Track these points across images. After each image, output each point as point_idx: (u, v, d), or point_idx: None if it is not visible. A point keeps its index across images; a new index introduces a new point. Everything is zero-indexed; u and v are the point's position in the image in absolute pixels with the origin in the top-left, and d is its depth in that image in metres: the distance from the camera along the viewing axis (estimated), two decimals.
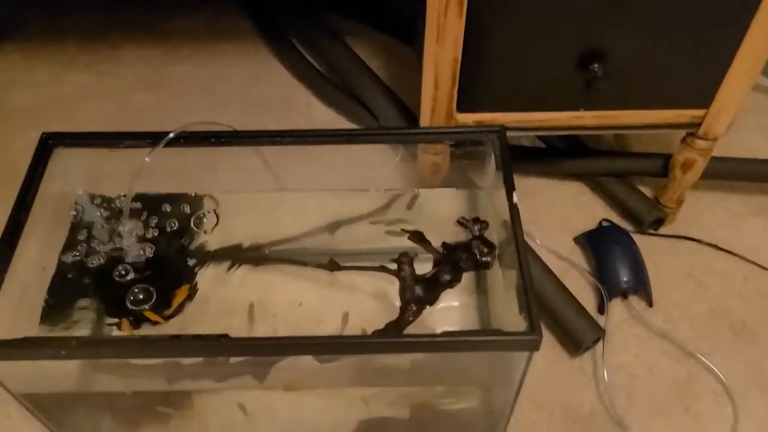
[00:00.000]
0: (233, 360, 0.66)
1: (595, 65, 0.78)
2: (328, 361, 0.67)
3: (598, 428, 0.84)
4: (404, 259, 0.74)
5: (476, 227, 0.77)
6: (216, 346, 0.59)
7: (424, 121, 0.86)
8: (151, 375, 0.68)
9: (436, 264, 0.77)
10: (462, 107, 0.84)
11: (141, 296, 0.74)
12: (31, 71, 1.26)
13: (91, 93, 1.23)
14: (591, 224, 1.03)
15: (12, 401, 0.86)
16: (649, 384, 0.88)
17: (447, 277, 0.74)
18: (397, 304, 0.83)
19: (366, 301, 0.83)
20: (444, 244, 0.77)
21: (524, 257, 0.63)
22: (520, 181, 0.95)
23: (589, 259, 0.99)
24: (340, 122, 1.18)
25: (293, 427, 0.83)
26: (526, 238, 0.76)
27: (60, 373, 0.68)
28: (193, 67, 1.28)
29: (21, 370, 0.64)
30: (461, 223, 0.78)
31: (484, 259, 0.75)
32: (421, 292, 0.72)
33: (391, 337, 0.60)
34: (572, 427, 0.84)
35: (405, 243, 0.81)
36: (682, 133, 0.91)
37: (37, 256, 0.73)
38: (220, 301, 0.83)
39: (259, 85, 1.25)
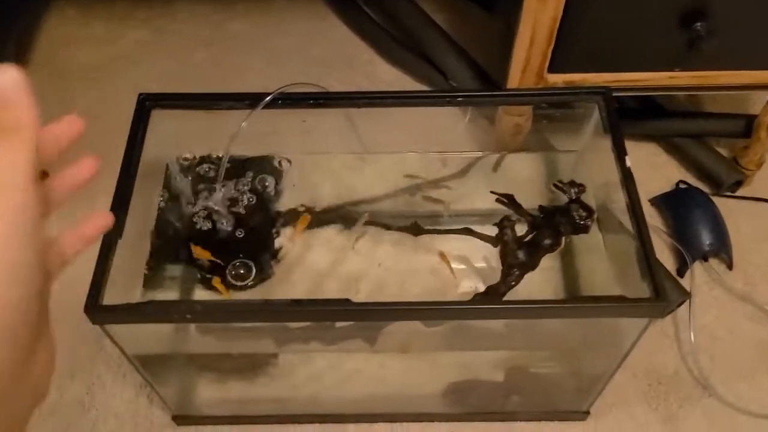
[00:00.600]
0: (342, 324, 0.67)
1: (698, 24, 0.76)
2: (435, 325, 0.67)
3: (683, 389, 0.85)
4: (507, 222, 0.73)
5: (573, 191, 0.76)
6: (337, 311, 0.59)
7: (513, 81, 0.84)
8: (260, 338, 0.69)
9: (532, 227, 0.76)
10: (553, 67, 0.83)
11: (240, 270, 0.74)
12: (88, 27, 1.24)
13: (150, 50, 1.21)
14: (666, 186, 1.01)
15: (100, 361, 0.87)
16: (732, 346, 0.88)
17: (548, 241, 0.73)
18: (478, 265, 0.83)
19: (451, 264, 0.83)
20: (541, 208, 0.77)
21: (643, 223, 0.62)
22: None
23: (667, 221, 0.98)
24: (406, 82, 1.16)
25: (381, 387, 0.84)
26: (611, 204, 0.75)
27: (169, 335, 0.69)
28: (250, 24, 1.25)
29: (135, 333, 0.64)
30: (557, 186, 0.77)
31: (582, 223, 0.74)
32: (523, 257, 0.72)
33: (514, 302, 0.60)
34: (656, 388, 0.85)
35: (491, 206, 0.81)
36: None
37: (136, 218, 0.72)
38: (305, 263, 0.84)
39: (318, 42, 1.23)
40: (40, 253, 0.28)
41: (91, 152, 1.15)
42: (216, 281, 0.75)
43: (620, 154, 0.67)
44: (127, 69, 1.18)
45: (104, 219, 0.40)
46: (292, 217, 0.82)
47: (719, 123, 1.00)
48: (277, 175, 0.83)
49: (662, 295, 0.57)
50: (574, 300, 0.60)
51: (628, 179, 0.65)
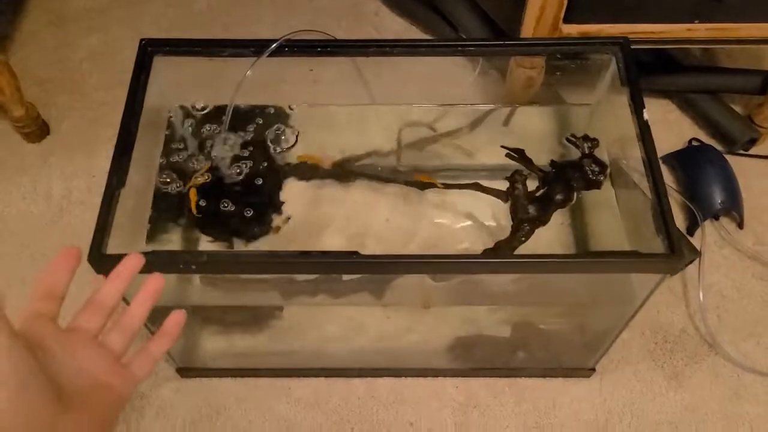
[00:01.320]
0: (349, 277, 0.66)
1: None
2: (443, 279, 0.67)
3: (689, 347, 0.84)
4: (518, 177, 0.71)
5: (586, 145, 0.75)
6: (346, 263, 0.58)
7: (527, 31, 0.82)
8: (266, 290, 0.68)
9: (543, 182, 0.74)
10: (569, 18, 0.80)
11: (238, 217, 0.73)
12: None
13: None
14: (679, 144, 1.00)
15: None
16: (740, 305, 0.87)
17: (560, 196, 0.71)
18: (487, 222, 0.82)
19: (455, 219, 0.82)
20: (553, 163, 0.75)
21: (659, 178, 0.60)
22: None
23: (679, 178, 0.96)
24: (413, 33, 1.13)
25: (386, 341, 0.83)
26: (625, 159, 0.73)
27: (173, 287, 0.68)
28: None
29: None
30: (570, 140, 0.75)
31: (595, 178, 0.73)
32: (534, 212, 0.70)
33: (526, 257, 0.58)
34: (663, 346, 0.85)
35: (500, 161, 0.79)
36: None
37: (139, 168, 0.71)
38: (310, 217, 0.82)
39: None
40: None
41: (80, 102, 1.12)
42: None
43: (638, 106, 0.65)
44: (127, 15, 1.15)
45: (173, 328, 0.50)
46: (297, 169, 0.80)
47: (734, 79, 0.98)
48: (283, 125, 0.81)
49: (677, 250, 0.56)
50: (588, 255, 0.59)
51: (645, 133, 0.63)
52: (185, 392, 0.81)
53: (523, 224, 0.70)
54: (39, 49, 1.11)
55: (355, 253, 0.58)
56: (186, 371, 0.82)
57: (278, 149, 0.79)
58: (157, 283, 0.48)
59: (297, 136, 0.80)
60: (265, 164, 0.77)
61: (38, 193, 0.96)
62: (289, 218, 0.77)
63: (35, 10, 1.15)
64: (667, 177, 0.97)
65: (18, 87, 0.93)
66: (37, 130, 0.99)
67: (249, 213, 0.73)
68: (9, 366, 0.36)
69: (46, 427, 0.38)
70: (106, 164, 0.61)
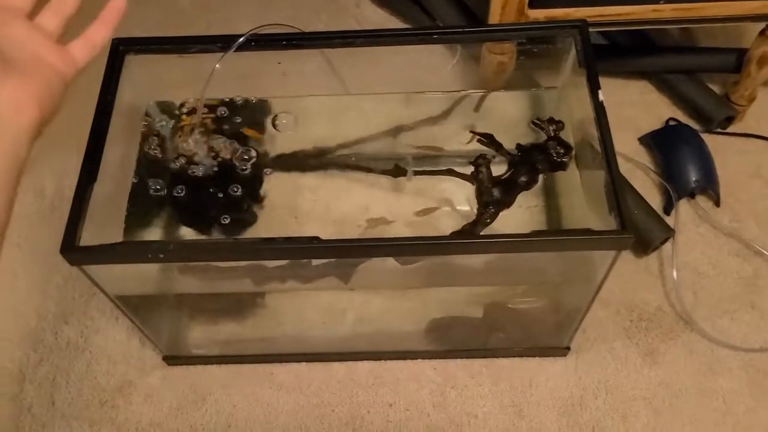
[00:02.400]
0: (317, 262, 0.68)
1: None
2: (409, 262, 0.68)
3: (664, 325, 0.86)
4: (481, 161, 0.73)
5: (551, 128, 0.76)
6: (308, 248, 0.60)
7: (494, 17, 0.83)
8: (238, 277, 0.70)
9: (511, 166, 0.76)
10: (534, 2, 0.81)
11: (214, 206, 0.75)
12: None
13: None
14: (657, 124, 1.00)
15: (93, 305, 0.90)
16: (715, 281, 0.88)
17: (523, 178, 0.73)
18: (462, 208, 0.84)
19: (431, 205, 0.84)
20: (518, 146, 0.76)
21: (612, 157, 0.62)
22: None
23: (656, 159, 0.97)
24: (394, 23, 1.14)
25: (364, 325, 0.85)
26: (588, 140, 0.74)
27: (150, 277, 0.70)
28: None
29: (115, 274, 0.66)
30: (536, 123, 0.77)
31: (560, 160, 0.74)
32: (498, 195, 0.72)
33: (482, 237, 0.60)
34: (638, 324, 0.86)
35: (472, 146, 0.80)
36: (760, 25, 0.87)
37: (117, 164, 0.73)
38: (287, 207, 0.85)
39: None
40: None
41: (74, 102, 1.15)
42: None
43: (593, 88, 0.66)
44: None
45: (112, 14, 0.51)
46: (274, 160, 0.82)
47: (710, 58, 0.98)
48: (258, 117, 0.83)
49: (627, 226, 0.57)
50: (541, 233, 0.60)
51: (600, 113, 0.64)
52: (172, 379, 0.84)
53: (488, 207, 0.72)
54: None
55: (317, 238, 0.60)
56: (172, 359, 0.84)
57: (252, 141, 0.81)
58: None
59: (271, 127, 0.82)
60: (238, 155, 0.79)
61: (31, 191, 0.99)
62: (263, 208, 0.79)
63: None
64: (645, 157, 0.98)
65: None
66: None
67: (226, 220, 0.75)
68: None
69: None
70: None
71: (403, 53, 0.81)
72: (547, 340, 0.83)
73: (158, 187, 0.74)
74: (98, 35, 0.50)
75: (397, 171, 0.84)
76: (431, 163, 0.84)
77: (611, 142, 0.63)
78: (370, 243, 0.60)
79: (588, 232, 0.59)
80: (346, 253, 0.62)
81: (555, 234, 0.59)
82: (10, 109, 0.41)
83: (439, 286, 0.74)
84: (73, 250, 0.59)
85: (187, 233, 0.77)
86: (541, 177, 0.75)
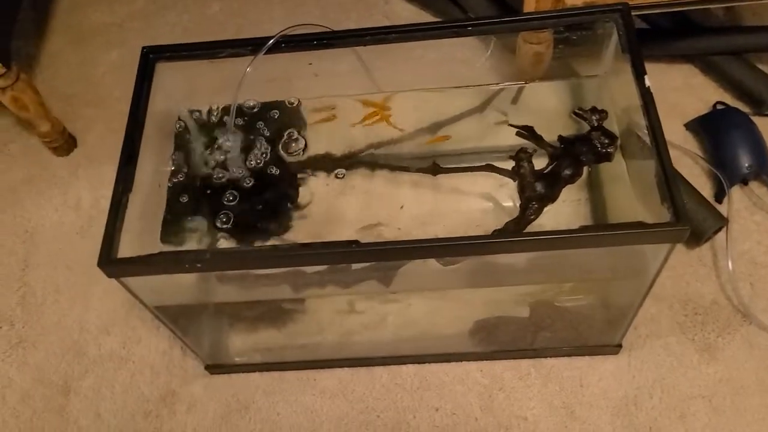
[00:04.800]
0: (357, 266, 0.66)
1: None
2: (452, 263, 0.66)
3: (721, 318, 0.82)
4: (523, 155, 0.70)
5: (594, 117, 0.73)
6: (347, 252, 0.58)
7: (530, 5, 0.80)
8: (276, 284, 0.69)
9: (553, 159, 0.73)
10: None
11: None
12: None
13: (166, 5, 1.20)
14: (703, 109, 0.96)
15: (134, 315, 0.90)
16: None
17: (568, 171, 0.70)
18: (504, 204, 0.81)
19: (471, 203, 0.82)
20: (561, 138, 0.73)
21: (663, 146, 0.59)
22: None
23: (704, 145, 0.93)
24: (424, 17, 1.12)
25: (407, 328, 0.84)
26: (634, 128, 0.71)
27: (189, 286, 0.69)
28: None
29: (154, 285, 0.65)
30: (578, 114, 0.74)
31: (605, 150, 0.71)
32: (542, 189, 0.69)
33: (529, 234, 0.57)
34: (693, 318, 0.82)
35: (511, 140, 0.78)
36: None
37: (151, 173, 0.73)
38: (324, 208, 0.83)
39: None
40: None
41: (107, 113, 1.16)
42: None
43: (639, 73, 0.63)
44: (144, 26, 1.18)
45: None
46: (308, 163, 0.80)
47: (758, 37, 0.94)
48: (292, 119, 0.82)
49: (683, 218, 0.54)
50: (591, 229, 0.57)
51: (647, 100, 0.61)
52: (214, 388, 0.83)
53: (531, 202, 0.69)
54: (63, 67, 1.15)
55: (356, 242, 0.58)
56: (214, 368, 0.84)
57: (287, 144, 0.80)
58: None
59: (305, 130, 0.81)
60: (272, 159, 0.78)
61: (68, 205, 1.00)
62: (300, 210, 0.77)
63: (57, 30, 1.19)
64: (692, 144, 0.94)
65: (41, 103, 0.96)
66: (64, 143, 1.03)
67: (261, 222, 0.74)
68: None
69: None
70: None
71: (436, 48, 0.79)
72: (598, 338, 0.80)
73: (194, 193, 0.74)
74: None
75: (435, 168, 0.82)
76: (471, 158, 0.82)
77: (661, 130, 0.60)
78: (411, 245, 0.58)
79: (641, 225, 0.56)
80: (386, 256, 0.60)
81: (606, 229, 0.56)
82: None
83: (483, 286, 0.72)
84: (110, 262, 0.59)
85: (224, 238, 0.76)
86: (585, 169, 0.72)
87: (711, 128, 0.92)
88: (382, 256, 0.60)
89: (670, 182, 0.56)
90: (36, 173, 1.04)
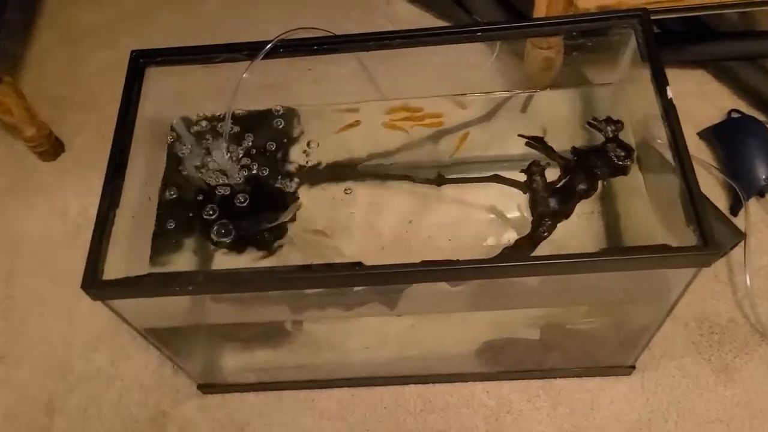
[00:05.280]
0: (359, 288, 0.62)
1: None
2: (459, 284, 0.62)
3: (738, 338, 0.78)
4: (535, 168, 0.67)
5: (609, 128, 0.69)
6: (350, 276, 0.54)
7: (540, 10, 0.76)
8: (274, 305, 0.65)
9: (565, 171, 0.69)
10: None
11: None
12: None
13: (158, 5, 1.15)
14: (717, 117, 0.92)
15: (123, 330, 0.85)
16: None
17: (582, 186, 0.67)
18: (511, 215, 0.77)
19: (477, 214, 0.78)
20: (574, 149, 0.70)
21: (687, 161, 0.55)
22: None
23: (718, 154, 0.89)
24: (427, 20, 1.08)
25: (410, 348, 0.80)
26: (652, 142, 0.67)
27: (180, 307, 0.65)
28: None
29: (143, 307, 0.61)
30: (592, 124, 0.70)
31: (621, 163, 0.67)
32: (555, 205, 0.66)
33: (545, 258, 0.54)
34: (709, 338, 0.79)
35: (521, 150, 0.74)
36: None
37: (141, 184, 0.68)
38: (324, 220, 0.79)
39: None
40: None
41: (96, 118, 1.10)
42: None
43: (660, 84, 0.59)
44: (135, 27, 1.13)
45: None
46: (306, 173, 0.76)
47: None
48: (288, 127, 0.78)
49: (711, 242, 0.50)
50: (611, 252, 0.54)
51: (669, 112, 0.57)
52: (208, 409, 0.79)
53: (544, 219, 0.65)
54: (50, 68, 1.10)
55: (359, 264, 0.54)
56: (207, 387, 0.80)
57: (284, 154, 0.76)
58: None
59: (303, 139, 0.77)
60: (269, 168, 0.74)
61: (55, 212, 0.96)
62: (295, 222, 0.73)
63: (45, 30, 1.15)
64: (706, 153, 0.91)
65: (27, 107, 0.92)
66: (50, 148, 0.98)
67: (257, 235, 0.70)
68: None
69: None
70: None
71: (441, 53, 0.75)
72: (610, 359, 0.76)
73: (186, 206, 0.70)
74: None
75: (440, 179, 0.78)
76: (477, 168, 0.78)
77: (684, 144, 0.56)
78: (419, 268, 0.54)
79: (666, 248, 0.52)
80: (391, 279, 0.56)
81: (629, 252, 0.52)
82: None
83: (492, 309, 0.68)
84: (95, 284, 0.55)
85: (219, 253, 0.72)
86: (600, 183, 0.68)
87: (725, 137, 0.89)
88: (389, 280, 0.56)
89: (696, 203, 0.52)
90: (21, 179, 0.99)
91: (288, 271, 0.54)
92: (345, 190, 0.77)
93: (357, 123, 0.76)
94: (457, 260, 0.54)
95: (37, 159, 1.00)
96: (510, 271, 0.55)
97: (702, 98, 0.95)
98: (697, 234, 0.52)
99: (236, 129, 0.74)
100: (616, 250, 0.53)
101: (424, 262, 0.55)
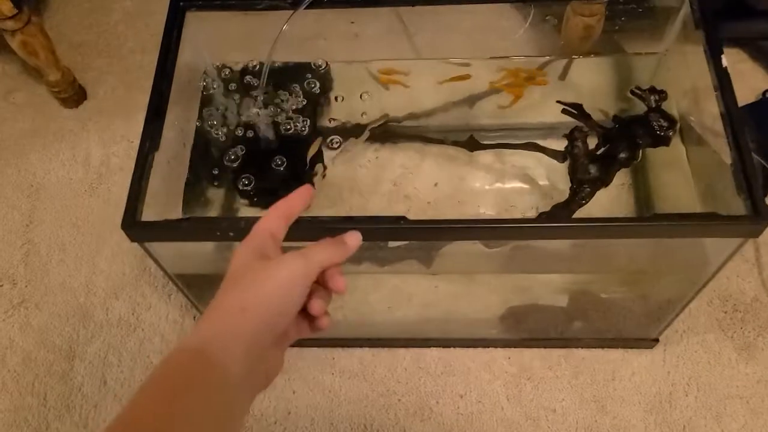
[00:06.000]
0: (395, 244, 0.62)
1: None
2: (496, 246, 0.62)
3: (762, 317, 0.78)
4: (578, 134, 0.66)
5: (653, 98, 0.68)
6: (393, 229, 0.54)
7: None
8: None
9: (604, 140, 0.69)
10: None
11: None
12: None
13: None
14: (751, 97, 0.92)
15: (144, 280, 0.85)
16: None
17: (624, 155, 0.66)
18: (542, 183, 0.77)
19: (509, 182, 0.77)
20: (616, 118, 0.69)
21: (741, 132, 0.54)
22: None
23: (751, 134, 0.88)
24: None
25: (433, 310, 0.80)
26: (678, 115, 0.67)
27: (212, 254, 0.65)
28: None
29: (177, 252, 0.60)
30: (635, 93, 0.69)
31: (663, 134, 0.67)
32: (596, 172, 0.65)
33: (589, 220, 0.53)
34: (733, 315, 0.79)
35: (557, 118, 0.73)
36: None
37: (175, 131, 0.67)
38: (352, 180, 0.79)
39: None
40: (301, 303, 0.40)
41: (119, 66, 1.07)
42: None
43: (715, 52, 0.58)
44: None
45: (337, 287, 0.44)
46: (339, 130, 0.75)
47: None
48: (325, 84, 0.76)
49: (762, 211, 0.50)
50: (660, 218, 0.53)
51: (724, 81, 0.57)
52: None
53: (584, 185, 0.65)
54: (74, 13, 1.08)
55: (403, 218, 0.53)
56: None
57: (318, 109, 0.75)
58: (354, 240, 0.46)
59: (338, 95, 0.76)
60: (300, 123, 0.73)
61: (77, 160, 0.95)
62: (324, 175, 0.72)
63: None
64: None
65: (53, 50, 0.90)
66: (74, 95, 0.97)
67: (283, 188, 0.69)
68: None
69: (263, 352, 0.38)
70: None
71: (474, 13, 0.74)
72: (634, 331, 0.76)
73: (217, 157, 0.69)
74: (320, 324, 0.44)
75: (472, 143, 0.77)
76: (512, 135, 0.77)
77: (739, 114, 0.56)
78: (462, 224, 0.54)
79: (714, 216, 0.51)
80: (434, 235, 0.55)
81: (676, 218, 0.51)
82: (260, 376, 0.40)
83: (526, 271, 0.68)
84: (135, 225, 0.54)
85: (245, 205, 0.72)
86: (640, 152, 0.67)
87: (759, 117, 0.88)
88: (430, 236, 0.56)
89: (748, 172, 0.52)
90: (42, 125, 0.98)
91: (331, 221, 0.53)
92: (375, 149, 0.76)
93: (468, 77, 0.75)
94: (500, 219, 0.54)
95: (60, 105, 0.98)
96: (552, 232, 0.54)
97: (737, 77, 0.91)
98: (747, 203, 0.51)
99: (274, 80, 0.72)
100: (663, 216, 0.52)
101: (469, 220, 0.54)
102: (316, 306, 0.41)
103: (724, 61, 0.58)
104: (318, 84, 0.75)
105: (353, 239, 0.45)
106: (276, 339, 0.39)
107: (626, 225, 0.52)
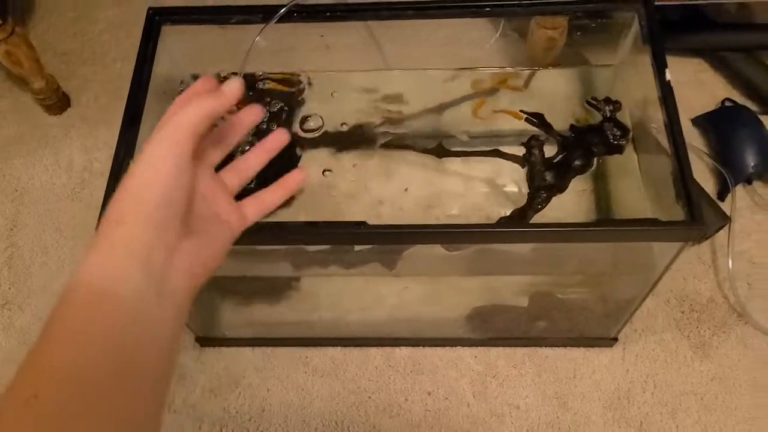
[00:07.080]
0: (360, 247, 0.65)
1: None
2: (456, 249, 0.65)
3: (717, 317, 0.82)
4: (534, 142, 0.69)
5: (608, 108, 0.72)
6: (353, 233, 0.57)
7: None
8: (277, 261, 0.67)
9: (562, 148, 0.72)
10: None
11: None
12: None
13: None
14: (711, 105, 0.95)
15: None
16: None
17: (578, 162, 0.69)
18: (508, 190, 0.80)
19: (475, 187, 0.80)
20: (572, 127, 0.72)
21: (681, 141, 0.58)
22: None
23: (710, 141, 0.92)
24: None
25: (403, 311, 0.83)
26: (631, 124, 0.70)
27: None
28: None
29: None
30: (591, 103, 0.73)
31: (617, 142, 0.70)
32: (551, 179, 0.68)
33: (540, 225, 0.56)
34: (689, 315, 0.82)
35: (519, 125, 0.77)
36: None
37: None
38: (325, 186, 0.81)
39: None
40: (189, 178, 0.37)
41: (103, 74, 1.11)
42: None
43: (660, 66, 0.62)
44: None
45: (292, 183, 0.47)
46: (307, 140, 0.79)
47: None
48: (297, 93, 0.80)
49: (698, 217, 0.53)
50: (604, 223, 0.57)
51: (667, 94, 0.60)
52: (205, 361, 0.82)
53: (540, 191, 0.68)
54: (59, 22, 1.11)
55: (363, 223, 0.57)
56: (205, 340, 0.82)
57: (292, 119, 0.78)
58: (279, 138, 0.46)
59: (310, 105, 0.79)
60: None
61: (60, 165, 0.97)
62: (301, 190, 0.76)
63: None
64: (698, 140, 0.93)
65: (37, 59, 0.93)
66: (57, 102, 1.00)
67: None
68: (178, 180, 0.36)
69: (170, 248, 0.36)
70: None
71: (443, 26, 0.78)
72: (594, 331, 0.79)
73: None
74: (272, 198, 0.46)
75: (441, 150, 0.80)
76: (477, 143, 0.80)
77: (679, 126, 0.59)
78: (420, 229, 0.57)
79: (653, 222, 0.55)
80: (393, 239, 0.59)
81: (620, 224, 0.55)
82: (184, 276, 0.37)
83: (486, 274, 0.71)
84: None
85: None
86: (595, 160, 0.71)
87: (718, 125, 0.91)
88: (389, 240, 0.59)
89: (686, 180, 0.55)
90: (27, 131, 1.01)
91: (294, 227, 0.56)
92: (350, 157, 0.79)
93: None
94: (457, 224, 0.57)
95: (44, 112, 1.01)
96: (507, 236, 0.58)
97: (697, 86, 0.97)
98: (685, 210, 0.54)
99: (249, 92, 0.75)
100: (608, 222, 0.55)
101: (426, 225, 0.57)
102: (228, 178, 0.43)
103: (668, 75, 0.61)
104: (292, 93, 0.78)
105: (233, 85, 0.39)
106: (186, 229, 0.37)
107: (574, 230, 0.55)
